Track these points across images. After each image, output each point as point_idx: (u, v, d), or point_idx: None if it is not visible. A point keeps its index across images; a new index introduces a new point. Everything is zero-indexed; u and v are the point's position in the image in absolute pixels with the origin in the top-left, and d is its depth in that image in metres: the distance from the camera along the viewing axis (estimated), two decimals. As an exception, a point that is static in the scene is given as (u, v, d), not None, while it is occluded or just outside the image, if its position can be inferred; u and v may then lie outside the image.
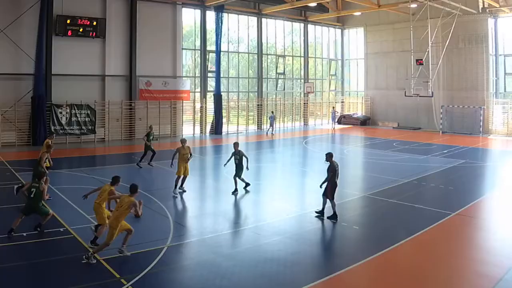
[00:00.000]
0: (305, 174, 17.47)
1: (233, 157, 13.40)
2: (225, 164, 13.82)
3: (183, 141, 13.80)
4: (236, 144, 13.62)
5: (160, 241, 9.13)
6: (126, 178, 15.02)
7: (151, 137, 17.75)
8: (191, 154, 13.61)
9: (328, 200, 10.89)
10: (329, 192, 10.81)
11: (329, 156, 11.07)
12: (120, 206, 8.28)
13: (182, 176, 13.29)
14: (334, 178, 10.83)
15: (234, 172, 13.24)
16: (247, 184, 13.46)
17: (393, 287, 7.53)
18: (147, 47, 26.19)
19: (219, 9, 28.62)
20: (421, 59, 28.10)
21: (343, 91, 39.80)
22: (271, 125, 30.00)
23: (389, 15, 33.04)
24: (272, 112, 31.11)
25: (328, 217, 10.82)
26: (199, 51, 29.38)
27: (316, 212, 11.06)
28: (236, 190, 13.13)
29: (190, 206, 12.66)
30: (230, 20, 31.07)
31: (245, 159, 13.30)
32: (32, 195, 9.25)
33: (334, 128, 32.63)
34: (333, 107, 34.63)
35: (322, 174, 17.63)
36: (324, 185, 10.96)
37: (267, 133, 29.88)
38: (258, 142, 26.62)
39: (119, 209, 8.28)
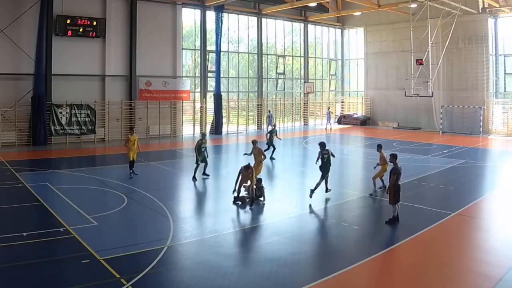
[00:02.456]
0: (305, 174, 17.45)
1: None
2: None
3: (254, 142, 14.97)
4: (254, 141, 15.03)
5: (160, 241, 9.12)
6: (127, 178, 15.04)
7: (275, 133, 20.36)
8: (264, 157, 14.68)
9: (395, 204, 10.43)
10: (391, 195, 10.37)
11: (393, 158, 10.71)
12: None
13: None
14: (398, 181, 10.41)
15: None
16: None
17: (393, 287, 7.53)
18: (147, 47, 26.19)
19: (219, 9, 28.62)
20: (421, 59, 28.09)
21: (343, 91, 39.80)
22: (270, 124, 29.92)
23: (389, 15, 33.04)
24: (269, 111, 31.07)
25: (386, 222, 10.46)
26: (199, 51, 29.37)
27: (386, 222, 10.56)
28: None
29: (190, 206, 12.66)
30: (230, 20, 31.07)
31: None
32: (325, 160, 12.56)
33: (330, 128, 32.49)
34: (328, 108, 34.55)
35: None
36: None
37: (267, 134, 29.81)
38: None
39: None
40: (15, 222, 10.24)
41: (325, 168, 12.62)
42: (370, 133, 31.37)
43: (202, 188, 14.93)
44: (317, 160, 12.86)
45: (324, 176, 12.58)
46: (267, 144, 20.00)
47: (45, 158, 19.71)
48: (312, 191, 12.29)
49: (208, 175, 15.45)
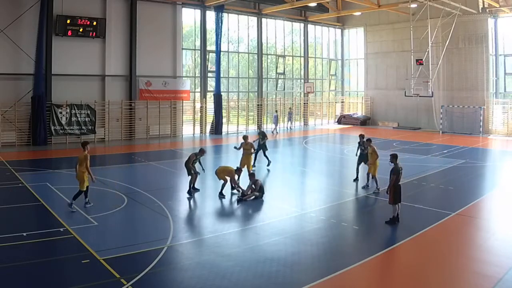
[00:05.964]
0: (305, 174, 17.47)
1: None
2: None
3: (245, 137, 15.69)
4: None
5: (160, 241, 9.12)
6: (127, 178, 15.06)
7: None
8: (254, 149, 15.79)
9: (395, 204, 10.37)
10: (391, 195, 10.33)
11: (393, 158, 10.69)
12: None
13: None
14: (398, 182, 10.37)
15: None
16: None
17: (393, 287, 7.53)
18: (147, 47, 26.19)
19: (219, 9, 28.61)
20: (421, 59, 28.10)
21: (343, 91, 39.79)
22: (275, 124, 30.24)
23: (389, 15, 33.05)
24: (276, 111, 31.32)
25: (386, 222, 10.41)
26: (199, 51, 29.37)
27: (386, 222, 10.49)
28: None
29: (190, 206, 12.66)
30: (230, 20, 31.07)
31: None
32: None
33: (290, 127, 32.72)
34: (290, 108, 34.17)
35: (321, 174, 17.75)
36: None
37: (272, 132, 29.95)
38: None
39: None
40: (15, 222, 10.23)
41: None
42: (370, 133, 31.22)
43: (202, 189, 14.92)
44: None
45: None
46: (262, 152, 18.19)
47: (45, 158, 19.71)
48: None
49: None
